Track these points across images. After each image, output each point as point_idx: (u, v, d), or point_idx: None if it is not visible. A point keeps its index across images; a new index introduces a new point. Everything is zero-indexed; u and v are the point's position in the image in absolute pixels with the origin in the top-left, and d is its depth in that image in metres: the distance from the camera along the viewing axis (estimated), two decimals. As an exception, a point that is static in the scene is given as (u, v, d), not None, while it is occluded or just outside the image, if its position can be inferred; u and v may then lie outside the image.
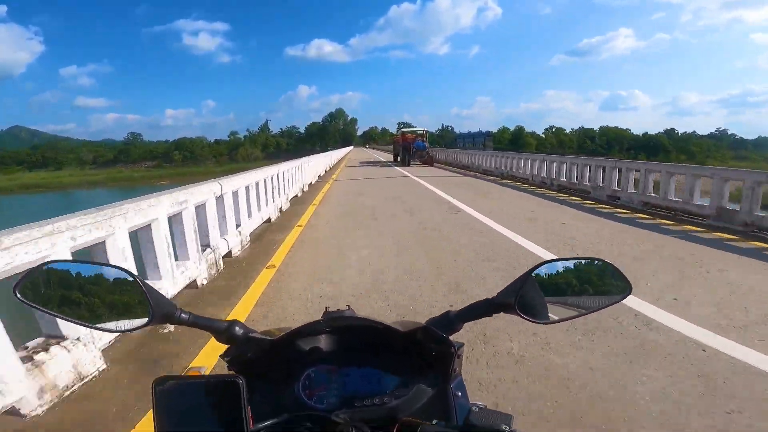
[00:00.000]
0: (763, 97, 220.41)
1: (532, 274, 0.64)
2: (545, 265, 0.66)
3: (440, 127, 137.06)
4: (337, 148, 59.94)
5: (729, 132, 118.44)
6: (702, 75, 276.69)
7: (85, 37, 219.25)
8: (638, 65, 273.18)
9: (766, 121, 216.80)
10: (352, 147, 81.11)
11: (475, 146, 65.90)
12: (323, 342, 0.71)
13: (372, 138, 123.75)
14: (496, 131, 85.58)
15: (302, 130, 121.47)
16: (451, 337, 0.66)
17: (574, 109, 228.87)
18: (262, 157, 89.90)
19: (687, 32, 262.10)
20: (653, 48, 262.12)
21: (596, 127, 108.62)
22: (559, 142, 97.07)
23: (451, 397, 0.65)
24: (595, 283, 0.69)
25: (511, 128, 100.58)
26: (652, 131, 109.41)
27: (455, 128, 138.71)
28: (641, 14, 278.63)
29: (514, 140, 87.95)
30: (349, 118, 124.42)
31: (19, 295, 0.57)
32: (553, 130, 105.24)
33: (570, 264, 0.69)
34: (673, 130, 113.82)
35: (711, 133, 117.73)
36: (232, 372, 0.65)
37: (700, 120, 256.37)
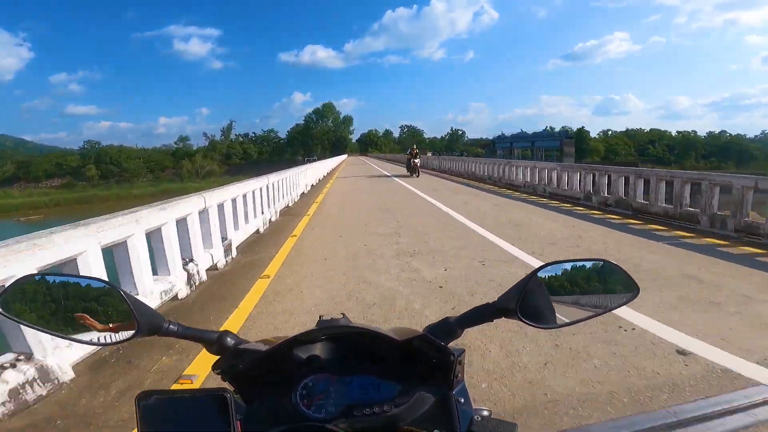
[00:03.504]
0: (754, 99, 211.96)
1: (534, 277, 0.61)
2: (548, 266, 0.63)
3: (449, 131, 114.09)
4: (325, 158, 36.81)
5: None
6: (695, 78, 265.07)
7: (74, 44, 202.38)
8: (633, 69, 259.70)
9: (759, 123, 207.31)
10: (346, 156, 57.80)
11: (534, 155, 42.76)
12: (320, 350, 0.67)
13: (374, 143, 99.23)
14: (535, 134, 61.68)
15: (285, 134, 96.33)
16: (451, 343, 0.63)
17: (568, 114, 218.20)
18: (220, 172, 65.00)
19: (682, 35, 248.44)
20: (648, 51, 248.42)
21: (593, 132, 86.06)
22: (611, 148, 74.86)
23: (454, 404, 0.61)
24: (600, 285, 0.66)
25: (506, 133, 77.42)
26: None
27: (466, 133, 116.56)
28: (637, 17, 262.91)
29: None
30: (342, 117, 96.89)
31: (0, 309, 0.57)
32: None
33: (575, 265, 0.66)
34: (724, 132, 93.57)
35: (756, 136, 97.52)
36: (224, 383, 0.62)
37: (693, 123, 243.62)
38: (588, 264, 0.67)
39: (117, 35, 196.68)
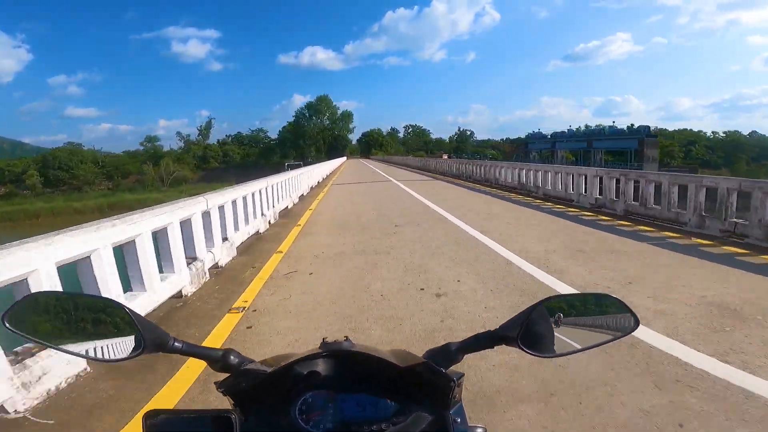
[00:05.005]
0: (755, 100, 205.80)
1: (537, 308, 0.63)
2: (550, 299, 0.65)
3: (457, 131, 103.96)
4: (320, 161, 27.10)
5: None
6: (697, 79, 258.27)
7: (73, 45, 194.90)
8: (634, 70, 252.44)
9: (759, 124, 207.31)
10: (344, 159, 47.82)
11: (593, 158, 32.60)
12: (321, 368, 0.68)
13: (377, 144, 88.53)
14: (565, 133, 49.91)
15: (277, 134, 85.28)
16: (452, 367, 0.66)
17: (568, 115, 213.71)
18: (194, 179, 54.51)
19: (684, 36, 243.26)
20: (649, 52, 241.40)
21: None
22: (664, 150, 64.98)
23: (450, 424, 0.62)
24: (601, 318, 0.68)
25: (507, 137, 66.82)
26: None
27: (475, 133, 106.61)
28: (638, 17, 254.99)
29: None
30: (339, 112, 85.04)
31: (7, 324, 0.57)
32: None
33: (577, 297, 0.70)
34: (755, 132, 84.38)
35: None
36: (227, 399, 0.65)
37: (693, 124, 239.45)
38: (590, 297, 0.70)
39: (116, 37, 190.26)
